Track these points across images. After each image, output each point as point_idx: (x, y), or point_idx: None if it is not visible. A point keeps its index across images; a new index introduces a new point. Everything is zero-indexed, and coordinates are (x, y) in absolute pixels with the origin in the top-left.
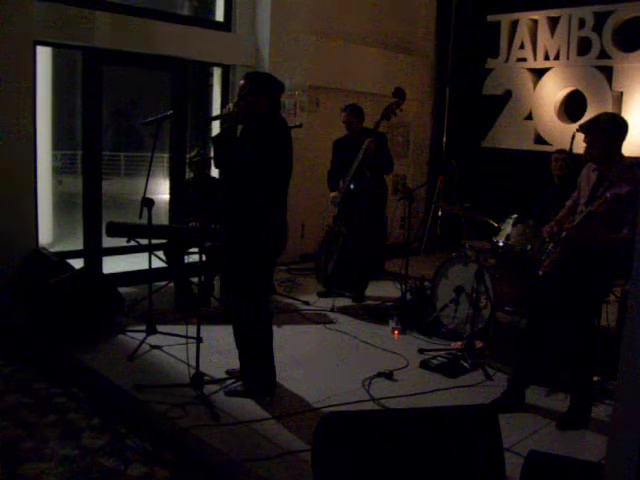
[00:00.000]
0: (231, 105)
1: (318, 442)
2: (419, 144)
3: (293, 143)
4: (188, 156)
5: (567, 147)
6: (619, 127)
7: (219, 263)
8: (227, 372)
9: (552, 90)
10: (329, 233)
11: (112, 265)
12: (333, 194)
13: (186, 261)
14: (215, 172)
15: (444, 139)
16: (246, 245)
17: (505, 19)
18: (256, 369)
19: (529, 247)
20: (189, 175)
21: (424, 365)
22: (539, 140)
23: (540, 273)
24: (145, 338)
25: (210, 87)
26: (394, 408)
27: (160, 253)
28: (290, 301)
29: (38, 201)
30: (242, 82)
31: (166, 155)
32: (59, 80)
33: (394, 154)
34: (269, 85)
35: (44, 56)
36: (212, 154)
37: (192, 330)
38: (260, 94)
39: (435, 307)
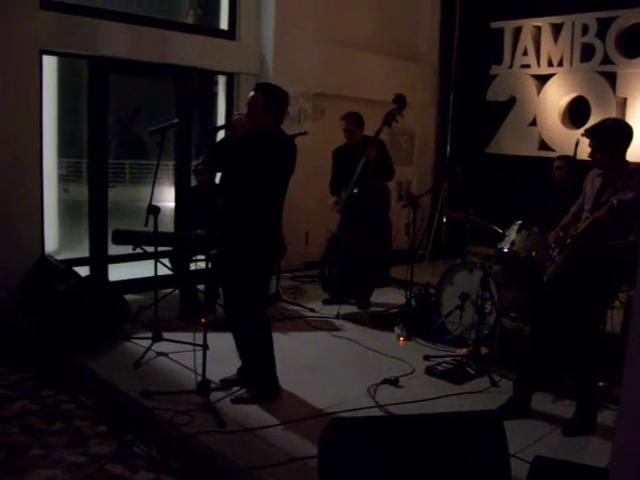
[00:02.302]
0: (241, 114)
1: (324, 448)
2: (423, 151)
3: (297, 150)
4: (193, 164)
5: (571, 153)
6: (624, 132)
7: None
8: (222, 381)
9: (556, 96)
10: (332, 240)
11: (118, 272)
12: (332, 200)
13: (192, 268)
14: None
15: (448, 145)
16: (244, 251)
17: (508, 26)
18: (260, 374)
19: (534, 253)
20: (195, 183)
21: (430, 371)
22: (543, 146)
23: (545, 279)
24: (151, 345)
25: (215, 95)
26: (400, 414)
27: (166, 260)
28: (295, 308)
29: (44, 208)
30: (253, 94)
31: (171, 163)
32: (65, 88)
33: (398, 161)
34: (278, 97)
35: (50, 65)
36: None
37: (199, 337)
38: (270, 107)
39: (440, 314)
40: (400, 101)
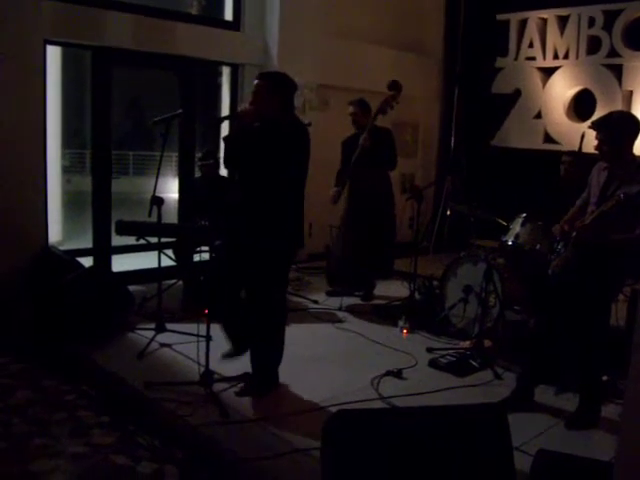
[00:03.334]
0: (246, 104)
1: (327, 440)
2: (428, 143)
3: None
4: (198, 156)
5: (576, 146)
6: (631, 125)
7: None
8: (224, 356)
9: (561, 89)
10: (337, 232)
11: (121, 263)
12: (333, 190)
13: (195, 259)
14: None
15: (453, 138)
16: (267, 241)
17: (514, 18)
18: (266, 364)
19: (538, 246)
20: (198, 174)
21: (433, 364)
22: (548, 139)
23: (549, 272)
24: (154, 336)
25: (219, 86)
26: (403, 407)
27: (169, 252)
28: (299, 300)
29: (48, 199)
30: (256, 81)
31: (175, 154)
32: (69, 79)
33: (402, 153)
34: (282, 83)
35: (54, 55)
36: (222, 153)
37: (202, 328)
38: (274, 93)
39: (444, 306)
40: (395, 87)
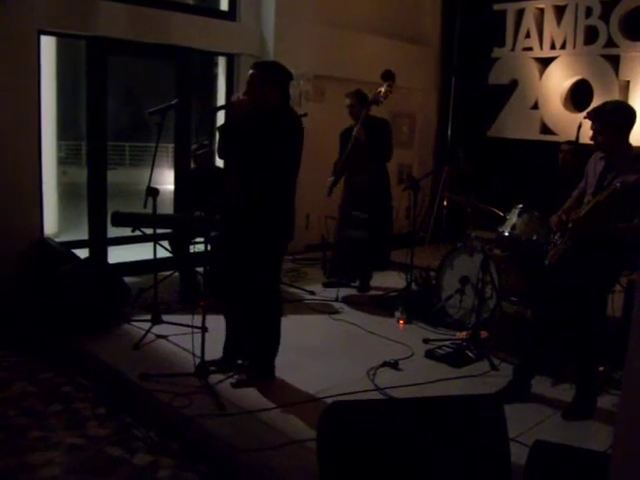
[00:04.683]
0: (240, 94)
1: (323, 431)
2: (424, 134)
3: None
4: (193, 147)
5: (573, 137)
6: (626, 114)
7: (222, 253)
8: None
9: (558, 79)
10: (335, 224)
11: (117, 255)
12: (330, 180)
13: (191, 251)
14: (220, 161)
15: (449, 129)
16: (262, 232)
17: (511, 8)
18: (265, 354)
19: (535, 237)
20: (193, 165)
21: (429, 355)
22: (545, 130)
23: (546, 263)
24: (150, 328)
25: (215, 77)
26: (399, 398)
27: (165, 243)
28: (295, 291)
29: (43, 191)
30: (250, 71)
31: (171, 145)
32: (64, 69)
33: (399, 144)
34: (277, 73)
35: (48, 45)
36: (217, 143)
37: (197, 320)
38: (268, 82)
39: (440, 297)
40: (389, 77)
